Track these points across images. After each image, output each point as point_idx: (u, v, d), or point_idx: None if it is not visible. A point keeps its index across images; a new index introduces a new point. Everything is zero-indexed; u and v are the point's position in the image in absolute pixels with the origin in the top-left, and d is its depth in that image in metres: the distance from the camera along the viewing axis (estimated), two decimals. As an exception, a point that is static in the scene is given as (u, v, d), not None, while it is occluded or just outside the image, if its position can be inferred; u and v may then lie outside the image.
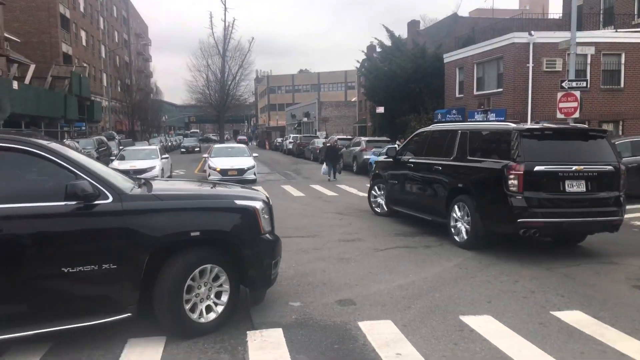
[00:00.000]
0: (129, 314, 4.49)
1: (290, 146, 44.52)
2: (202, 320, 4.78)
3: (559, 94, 16.56)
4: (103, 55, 58.99)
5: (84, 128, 37.37)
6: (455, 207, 8.73)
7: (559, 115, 16.67)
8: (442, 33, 35.00)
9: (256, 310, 5.43)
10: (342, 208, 12.86)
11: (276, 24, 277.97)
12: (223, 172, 19.24)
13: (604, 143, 8.08)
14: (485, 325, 5.03)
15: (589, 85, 17.64)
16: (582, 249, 8.61)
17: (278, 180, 21.20)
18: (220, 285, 4.91)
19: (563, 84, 16.50)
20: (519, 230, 7.63)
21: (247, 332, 4.84)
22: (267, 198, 5.55)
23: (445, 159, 9.23)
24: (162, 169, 21.04)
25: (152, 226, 4.52)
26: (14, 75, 31.75)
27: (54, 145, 4.59)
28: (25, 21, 41.76)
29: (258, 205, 5.14)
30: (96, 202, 4.33)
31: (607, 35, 23.06)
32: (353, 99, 67.59)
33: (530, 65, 21.72)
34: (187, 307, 4.67)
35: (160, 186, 5.48)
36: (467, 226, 8.41)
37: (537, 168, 7.52)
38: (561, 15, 31.19)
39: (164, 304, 4.56)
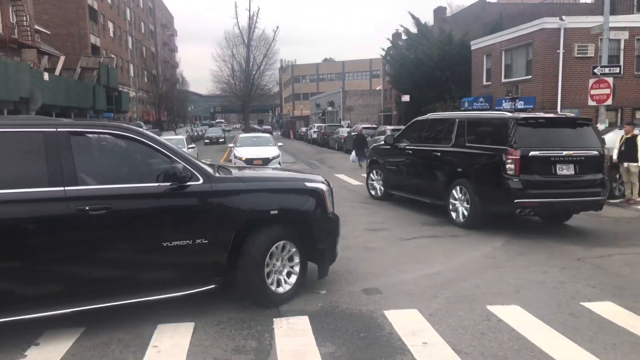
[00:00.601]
0: (215, 286, 4.94)
1: (315, 135, 44.45)
2: (280, 290, 5.29)
3: (591, 81, 16.12)
4: (130, 46, 59.74)
5: (112, 118, 38.05)
6: (455, 190, 9.33)
7: (591, 103, 16.24)
8: (469, 19, 34.33)
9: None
10: (367, 197, 12.82)
11: (301, 13, 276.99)
12: (248, 161, 19.33)
13: (590, 130, 8.82)
14: (514, 316, 4.97)
15: (622, 72, 17.15)
16: (614, 239, 8.41)
17: (303, 170, 21.25)
18: (292, 260, 5.43)
19: (595, 70, 16.06)
20: (516, 210, 8.28)
21: (274, 319, 4.88)
22: (327, 182, 5.96)
23: (444, 145, 9.80)
24: (189, 159, 21.26)
25: (238, 205, 5.03)
26: (45, 66, 32.43)
27: (151, 133, 5.14)
28: (55, 13, 42.51)
29: (324, 187, 5.69)
30: (189, 183, 4.79)
31: (641, 19, 22.33)
32: (378, 88, 67.06)
33: (561, 51, 21.17)
34: (268, 279, 5.16)
35: (238, 171, 5.90)
36: (466, 206, 9.02)
37: (532, 153, 8.20)
38: (593, 0, 30.33)
39: (248, 276, 5.04)
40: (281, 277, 5.35)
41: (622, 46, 21.20)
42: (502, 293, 5.66)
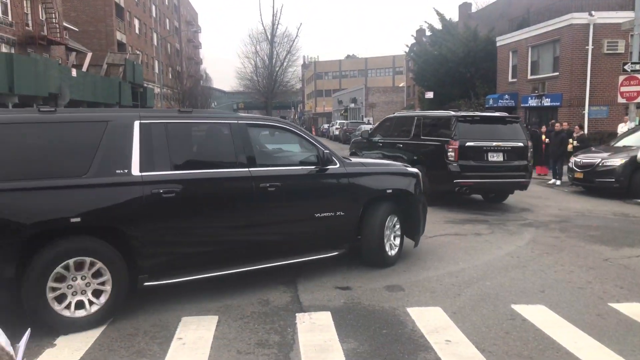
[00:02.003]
0: (344, 250, 6.19)
1: (337, 132, 44.37)
2: (391, 253, 6.54)
3: (621, 78, 15.75)
4: (155, 42, 60.43)
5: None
6: None
7: (620, 100, 15.88)
8: (495, 15, 33.83)
9: (305, 293, 5.49)
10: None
11: (324, 10, 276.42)
12: None
13: (518, 127, 11.04)
14: (539, 315, 4.90)
15: (653, 68, 16.69)
16: (643, 239, 8.22)
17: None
18: (397, 229, 6.71)
19: (625, 67, 15.67)
20: (455, 188, 10.34)
21: (296, 314, 4.91)
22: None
23: (406, 138, 11.90)
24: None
25: (365, 185, 6.35)
26: (73, 63, 33.01)
27: (300, 128, 6.62)
28: (83, 10, 43.25)
29: (419, 171, 7.13)
30: (330, 166, 6.05)
31: (674, 14, 21.70)
32: (401, 84, 66.63)
33: (590, 47, 20.73)
34: (386, 243, 6.44)
35: (354, 159, 7.25)
36: None
37: (468, 143, 10.34)
38: (624, -6, 29.57)
39: (371, 242, 6.31)
40: (391, 243, 6.58)
41: (653, 42, 20.63)
42: (527, 292, 5.59)
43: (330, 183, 6.08)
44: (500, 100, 26.69)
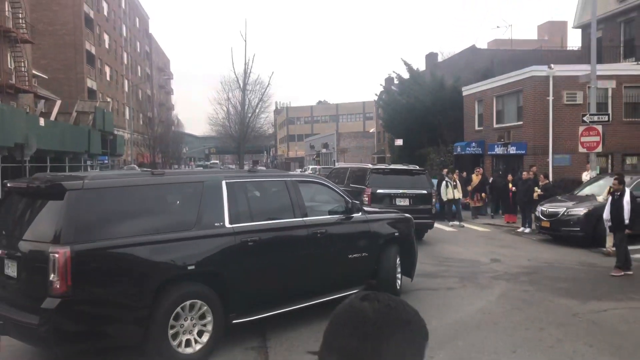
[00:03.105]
0: (364, 286, 6.24)
1: (309, 178, 44.52)
2: (399, 287, 7.78)
3: (581, 128, 16.35)
4: (126, 89, 60.46)
5: (106, 161, 38.06)
6: None
7: (581, 150, 16.45)
8: (461, 65, 35.08)
9: (276, 357, 5.38)
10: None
11: (295, 57, 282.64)
12: None
13: (423, 177, 13.82)
14: (511, 379, 4.88)
15: (610, 119, 17.44)
16: (609, 292, 8.36)
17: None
18: (399, 267, 7.81)
19: (584, 118, 16.28)
20: None
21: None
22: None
23: (342, 185, 13.70)
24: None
25: (380, 230, 7.53)
26: (41, 110, 32.63)
27: (332, 182, 8.15)
28: (53, 58, 43.14)
29: (411, 216, 8.39)
30: (355, 215, 7.19)
31: (628, 67, 22.85)
32: (371, 130, 67.82)
33: (551, 98, 21.55)
34: (398, 277, 7.77)
35: (367, 207, 8.44)
36: None
37: (378, 190, 12.89)
38: (580, 47, 31.16)
39: (387, 277, 7.32)
40: (398, 275, 7.77)
41: (609, 94, 21.62)
42: (499, 353, 5.59)
43: (358, 228, 7.27)
44: (467, 148, 27.34)
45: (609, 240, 11.21)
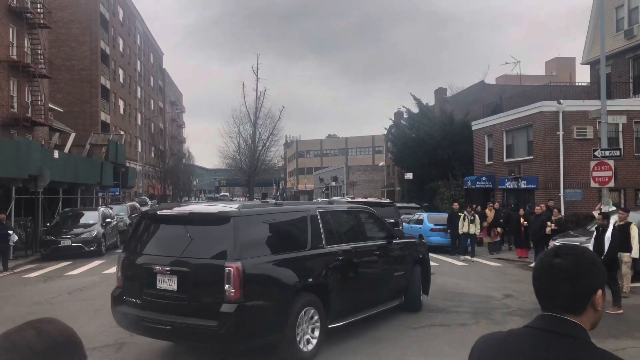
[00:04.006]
0: (401, 301, 8.88)
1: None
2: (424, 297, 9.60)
3: (592, 163, 16.30)
4: (139, 122, 61.40)
5: (117, 193, 38.34)
6: None
7: (593, 184, 16.36)
8: (470, 100, 35.36)
9: None
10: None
11: (306, 92, 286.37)
12: None
13: (392, 208, 17.29)
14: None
15: (622, 154, 17.40)
16: (627, 330, 8.20)
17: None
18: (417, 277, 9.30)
19: (596, 153, 16.26)
20: None
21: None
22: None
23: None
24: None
25: (411, 252, 9.26)
26: (55, 143, 33.17)
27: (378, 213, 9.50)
28: (69, 92, 44.07)
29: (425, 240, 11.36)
30: (394, 240, 8.80)
31: (638, 103, 22.92)
32: (380, 164, 68.00)
33: (561, 133, 21.59)
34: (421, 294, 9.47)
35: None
36: None
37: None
38: (589, 82, 31.33)
39: (414, 293, 9.08)
40: (421, 291, 9.38)
41: (620, 129, 21.64)
42: (516, 392, 5.45)
43: (399, 251, 8.92)
44: (478, 182, 27.30)
45: (625, 280, 10.89)
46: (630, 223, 10.83)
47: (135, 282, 6.48)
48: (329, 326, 6.77)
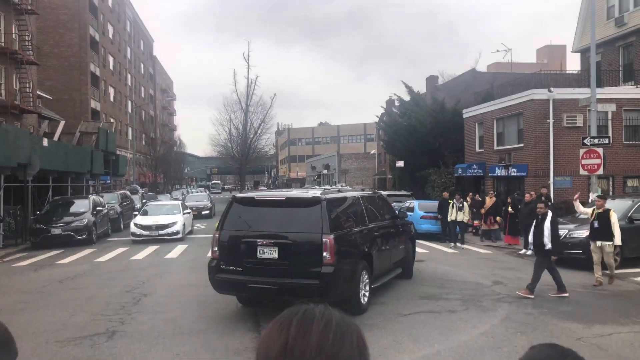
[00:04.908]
0: (401, 270, 10.81)
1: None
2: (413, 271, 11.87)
3: (582, 151, 16.43)
4: (129, 110, 60.88)
5: (108, 182, 38.09)
6: None
7: (582, 172, 16.50)
8: (461, 88, 35.35)
9: None
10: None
11: (298, 78, 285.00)
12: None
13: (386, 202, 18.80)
14: (516, 404, 4.84)
15: (611, 142, 17.52)
16: (613, 316, 8.32)
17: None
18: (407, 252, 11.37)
19: (585, 141, 16.37)
20: None
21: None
22: None
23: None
24: (184, 224, 21.28)
25: (408, 229, 11.72)
26: (45, 131, 32.83)
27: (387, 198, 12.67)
28: (58, 79, 43.54)
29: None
30: (399, 219, 11.22)
31: (627, 91, 23.00)
32: (372, 151, 68.04)
33: (551, 121, 21.67)
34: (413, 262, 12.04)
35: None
36: None
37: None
38: (579, 70, 31.41)
39: (411, 264, 11.39)
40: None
41: (609, 117, 21.73)
42: (503, 377, 5.55)
43: (402, 228, 11.07)
44: (468, 170, 27.40)
45: (597, 270, 10.91)
46: (609, 210, 10.74)
47: (233, 253, 7.85)
48: (372, 286, 8.60)
